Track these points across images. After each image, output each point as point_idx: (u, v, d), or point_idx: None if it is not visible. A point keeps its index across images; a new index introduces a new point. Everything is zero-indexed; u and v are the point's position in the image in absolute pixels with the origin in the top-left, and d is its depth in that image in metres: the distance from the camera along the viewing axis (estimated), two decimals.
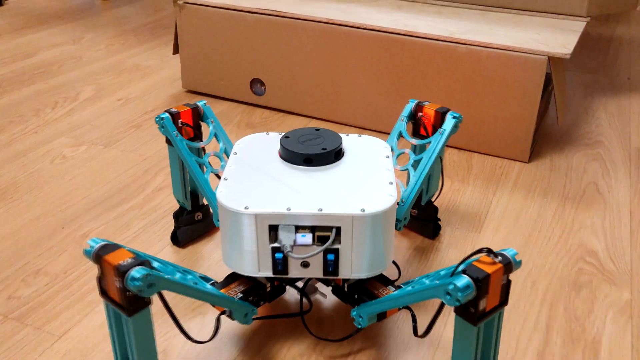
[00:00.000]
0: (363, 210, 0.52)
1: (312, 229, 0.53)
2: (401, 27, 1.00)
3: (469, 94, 0.98)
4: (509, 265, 0.47)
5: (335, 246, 0.53)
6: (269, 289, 0.61)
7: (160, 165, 0.97)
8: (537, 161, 1.00)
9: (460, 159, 1.00)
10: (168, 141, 0.71)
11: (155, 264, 0.54)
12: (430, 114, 0.72)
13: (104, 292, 0.49)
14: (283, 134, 0.63)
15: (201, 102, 0.72)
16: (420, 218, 0.79)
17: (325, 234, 0.53)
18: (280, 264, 0.54)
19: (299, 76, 1.12)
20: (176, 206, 0.86)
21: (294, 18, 1.07)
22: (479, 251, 0.47)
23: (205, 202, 0.79)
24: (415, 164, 0.72)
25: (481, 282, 0.45)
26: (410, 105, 0.73)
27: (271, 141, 0.64)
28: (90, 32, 1.65)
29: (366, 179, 0.57)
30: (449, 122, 0.70)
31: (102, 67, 1.39)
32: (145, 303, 0.48)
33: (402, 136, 0.73)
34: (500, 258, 0.47)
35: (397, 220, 0.69)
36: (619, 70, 1.43)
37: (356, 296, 0.60)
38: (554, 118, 1.15)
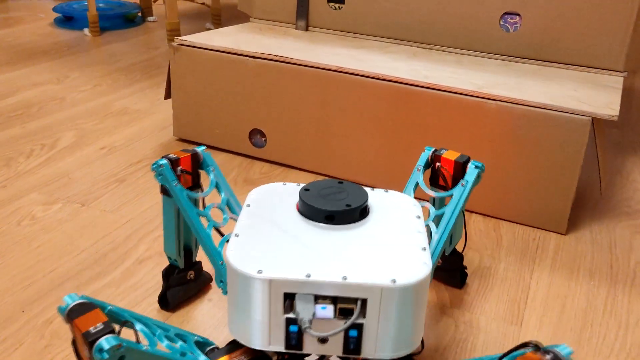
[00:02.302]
0: (394, 280, 0.46)
1: (334, 300, 0.46)
2: (422, 79, 0.89)
3: (498, 155, 0.87)
4: None
5: (359, 321, 0.46)
6: None
7: (145, 230, 0.84)
8: (576, 233, 0.88)
9: (487, 227, 0.88)
10: (163, 191, 0.63)
11: (139, 327, 0.45)
12: (450, 164, 0.65)
13: (79, 357, 0.43)
14: (302, 185, 0.58)
15: (200, 148, 0.65)
16: (445, 268, 0.74)
17: (349, 307, 0.46)
18: (294, 338, 0.47)
19: (304, 128, 1.00)
20: (160, 278, 0.73)
21: (301, 65, 0.96)
22: (524, 345, 0.40)
23: (197, 259, 0.71)
24: (437, 220, 0.65)
25: None
26: (426, 154, 0.67)
27: (288, 193, 0.58)
28: (77, 70, 1.54)
29: (396, 243, 0.51)
30: (471, 173, 0.63)
31: (86, 110, 1.27)
32: None
33: (419, 186, 0.66)
34: (550, 356, 0.40)
35: None
36: None
37: None
38: (587, 181, 1.04)
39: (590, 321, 0.69)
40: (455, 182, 0.65)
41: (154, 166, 0.61)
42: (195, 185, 0.65)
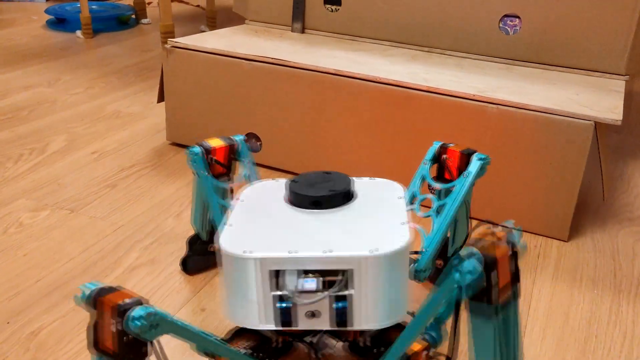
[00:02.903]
0: (375, 250, 0.48)
1: (321, 275, 0.49)
2: (421, 82, 0.87)
3: (499, 160, 0.85)
4: (510, 235, 0.46)
5: (345, 292, 0.49)
6: (275, 345, 0.56)
7: (137, 237, 0.81)
8: (577, 240, 0.86)
9: None
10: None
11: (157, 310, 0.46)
12: (455, 156, 0.66)
13: (95, 344, 0.42)
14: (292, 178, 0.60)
15: (239, 137, 0.67)
16: (445, 272, 0.70)
17: (335, 279, 0.48)
18: (284, 314, 0.49)
19: (300, 132, 0.98)
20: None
21: (298, 68, 0.94)
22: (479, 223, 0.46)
23: None
24: (439, 210, 0.66)
25: (487, 256, 0.43)
26: (434, 148, 0.68)
27: (279, 188, 0.61)
28: (69, 73, 1.51)
29: (377, 220, 0.53)
30: (474, 164, 0.64)
31: (77, 114, 1.24)
32: (143, 353, 0.42)
33: (426, 180, 0.68)
34: (500, 228, 0.45)
35: (418, 270, 0.64)
36: None
37: (375, 350, 0.54)
38: (588, 186, 1.02)
39: (595, 332, 0.67)
40: (460, 174, 0.66)
41: (189, 151, 0.64)
42: (227, 173, 0.68)
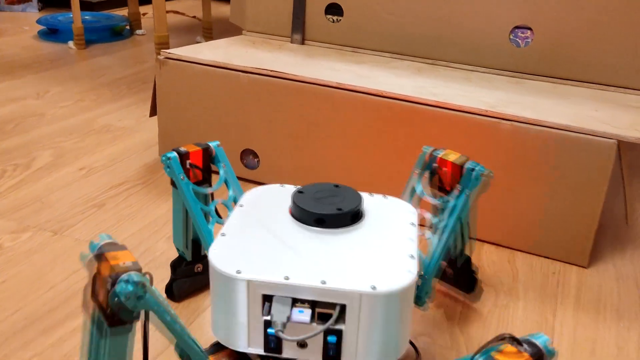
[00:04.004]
0: (374, 287, 0.45)
1: (313, 304, 0.46)
2: (429, 97, 0.82)
3: (513, 179, 0.80)
4: (539, 357, 0.39)
5: (339, 327, 0.45)
6: None
7: None
8: (598, 266, 0.80)
9: (500, 259, 0.81)
10: (173, 183, 0.64)
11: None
12: (448, 165, 0.61)
13: (94, 295, 0.41)
14: (298, 187, 0.56)
15: (213, 143, 0.65)
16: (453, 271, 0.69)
17: (328, 312, 0.45)
18: (273, 341, 0.47)
19: (300, 149, 0.92)
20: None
21: (297, 81, 0.89)
22: (501, 338, 0.40)
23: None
24: (434, 227, 0.62)
25: None
26: (423, 155, 0.63)
27: (284, 195, 0.57)
28: (59, 84, 1.45)
29: (383, 249, 0.50)
30: (472, 181, 0.59)
31: (66, 127, 1.19)
32: (129, 320, 0.41)
33: (416, 193, 0.63)
34: (526, 347, 0.39)
35: (418, 296, 0.60)
36: None
37: None
38: (605, 207, 0.97)
39: None
40: (456, 184, 0.61)
41: (163, 159, 0.62)
42: (205, 180, 0.65)
